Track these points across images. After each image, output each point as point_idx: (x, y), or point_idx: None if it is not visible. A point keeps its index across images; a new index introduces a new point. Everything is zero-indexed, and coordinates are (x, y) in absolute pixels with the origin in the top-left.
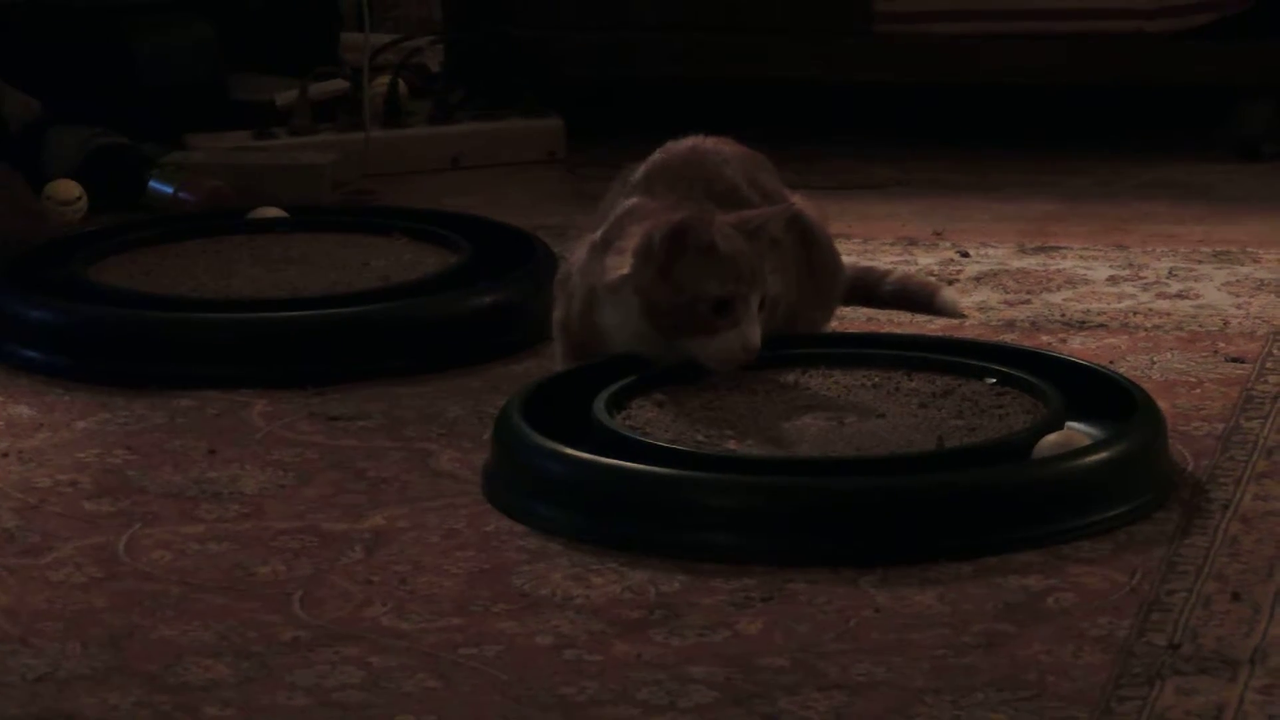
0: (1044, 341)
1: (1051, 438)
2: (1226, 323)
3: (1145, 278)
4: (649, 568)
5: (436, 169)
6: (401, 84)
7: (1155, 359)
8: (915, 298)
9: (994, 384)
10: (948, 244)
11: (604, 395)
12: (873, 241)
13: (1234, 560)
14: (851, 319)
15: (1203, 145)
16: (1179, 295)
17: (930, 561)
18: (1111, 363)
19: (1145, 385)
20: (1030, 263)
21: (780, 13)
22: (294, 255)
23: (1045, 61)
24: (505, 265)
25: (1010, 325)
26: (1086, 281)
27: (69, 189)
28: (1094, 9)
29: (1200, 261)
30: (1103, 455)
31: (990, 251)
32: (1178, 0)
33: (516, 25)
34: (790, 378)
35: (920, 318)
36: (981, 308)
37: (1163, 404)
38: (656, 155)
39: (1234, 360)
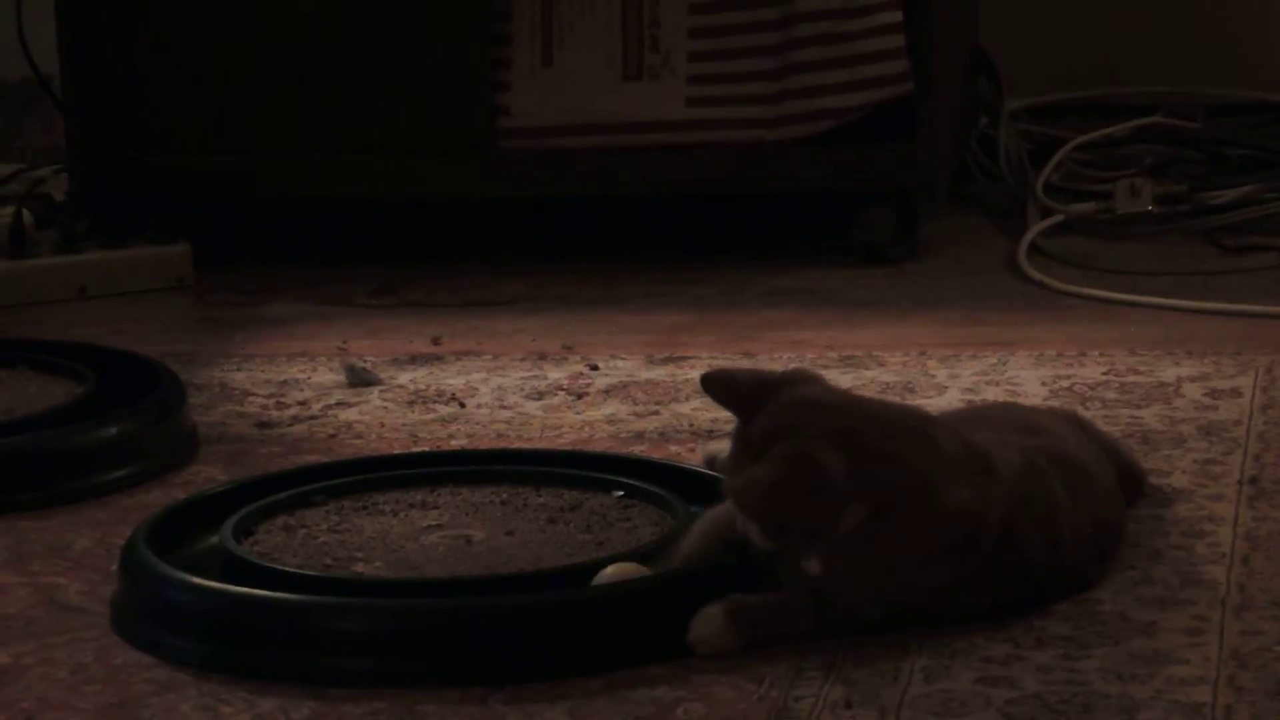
0: (673, 452)
1: (610, 570)
2: None
3: None
4: (278, 695)
5: (64, 299)
6: (27, 214)
7: None
8: None
9: (621, 497)
10: (577, 358)
11: (231, 522)
12: (502, 358)
13: (860, 664)
14: (481, 436)
15: (828, 251)
16: None
17: (559, 678)
18: None
19: None
20: (659, 373)
21: (406, 132)
22: None
23: (670, 173)
24: (132, 395)
25: (640, 437)
26: None
27: None
28: (714, 119)
29: (826, 366)
30: (726, 566)
31: (619, 363)
32: (796, 109)
33: (141, 152)
34: (418, 496)
35: (550, 430)
36: (611, 420)
37: None
38: None
39: None
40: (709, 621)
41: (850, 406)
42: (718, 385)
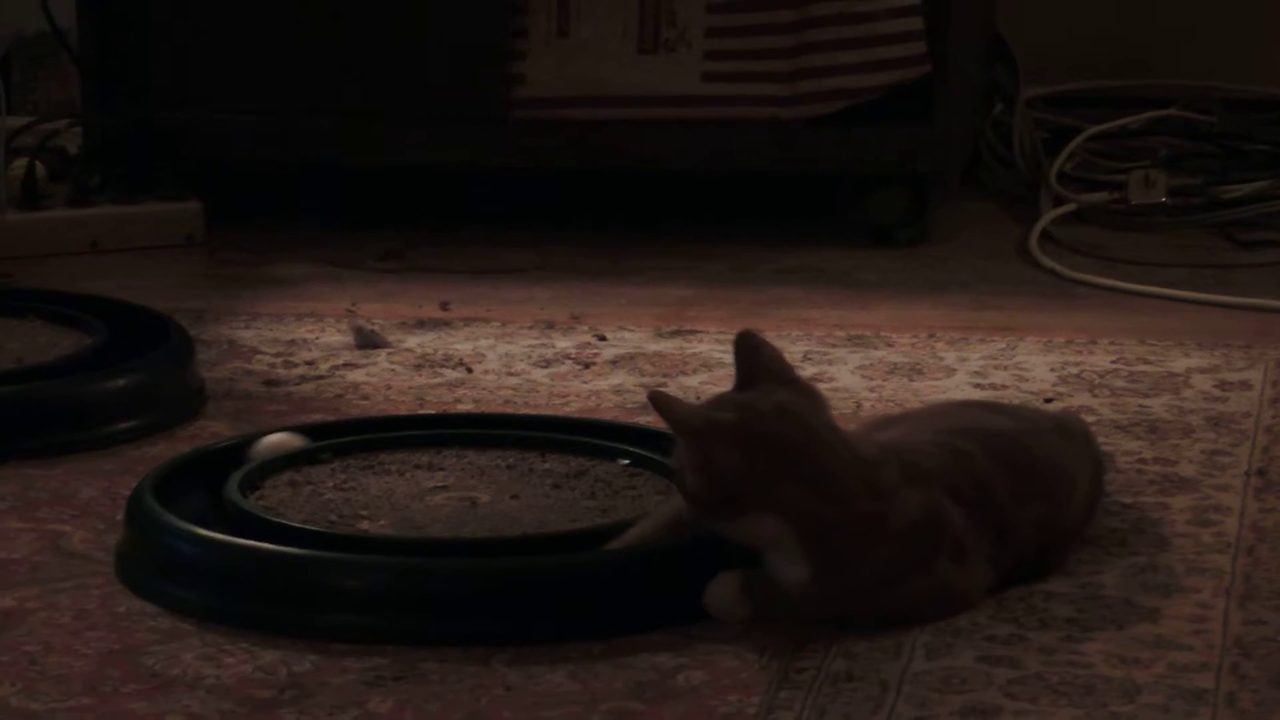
0: None
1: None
2: (860, 405)
3: None
4: (281, 648)
5: (75, 252)
6: (39, 167)
7: None
8: None
9: (627, 465)
10: (585, 328)
11: (237, 476)
12: (510, 325)
13: (862, 639)
14: (488, 401)
15: (839, 231)
16: (813, 378)
17: (561, 641)
18: None
19: None
20: (667, 346)
21: (420, 98)
22: None
23: (681, 148)
24: (141, 348)
25: (646, 408)
26: (722, 365)
27: None
28: (729, 96)
29: (835, 345)
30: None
31: (627, 335)
32: (811, 88)
33: (156, 108)
34: (424, 458)
35: (557, 399)
36: (618, 390)
37: None
38: None
39: None
40: (725, 586)
41: (822, 441)
42: (749, 345)
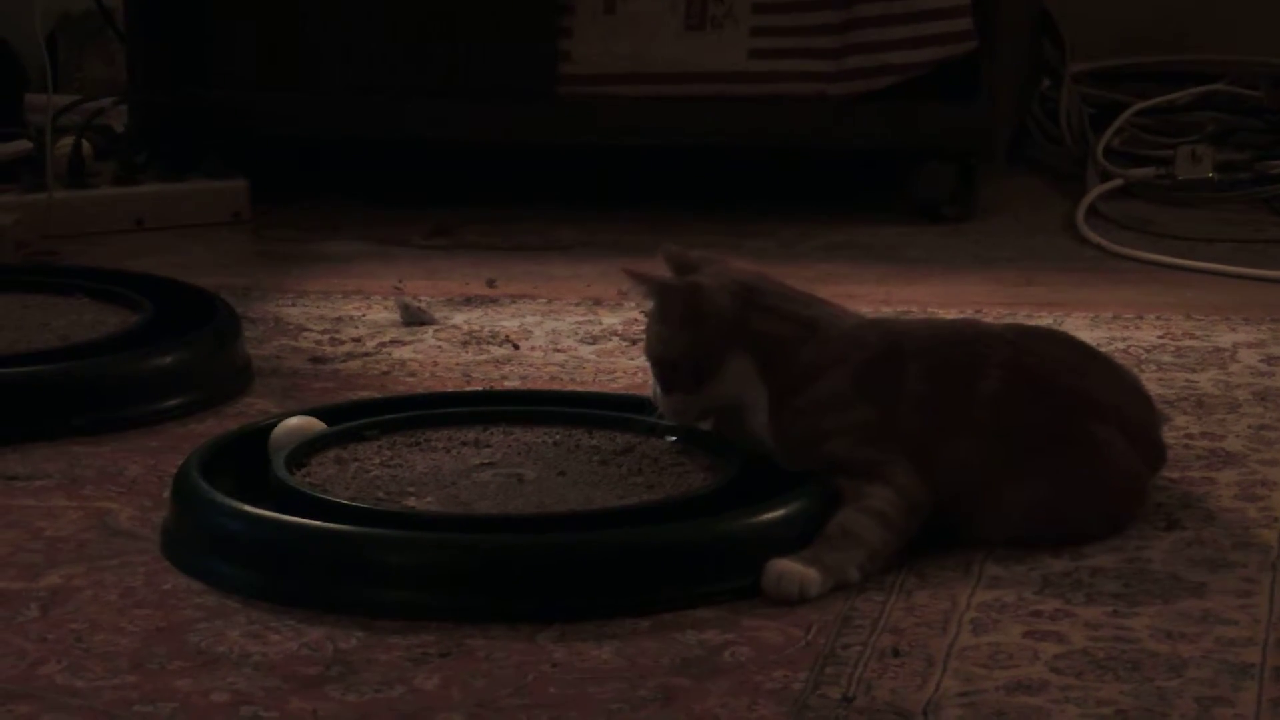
0: None
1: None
2: None
3: None
4: (327, 624)
5: (121, 230)
6: (86, 145)
7: None
8: None
9: (674, 441)
10: (631, 304)
11: (283, 453)
12: (557, 302)
13: (909, 614)
14: (535, 378)
15: (886, 208)
16: None
17: (607, 617)
18: None
19: None
20: None
21: (466, 76)
22: None
23: (728, 124)
24: (187, 325)
25: None
26: None
27: None
28: (775, 72)
29: None
30: (780, 513)
31: None
32: (858, 64)
33: (201, 86)
34: (471, 435)
35: (603, 375)
36: None
37: None
38: None
39: None
40: (789, 567)
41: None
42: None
